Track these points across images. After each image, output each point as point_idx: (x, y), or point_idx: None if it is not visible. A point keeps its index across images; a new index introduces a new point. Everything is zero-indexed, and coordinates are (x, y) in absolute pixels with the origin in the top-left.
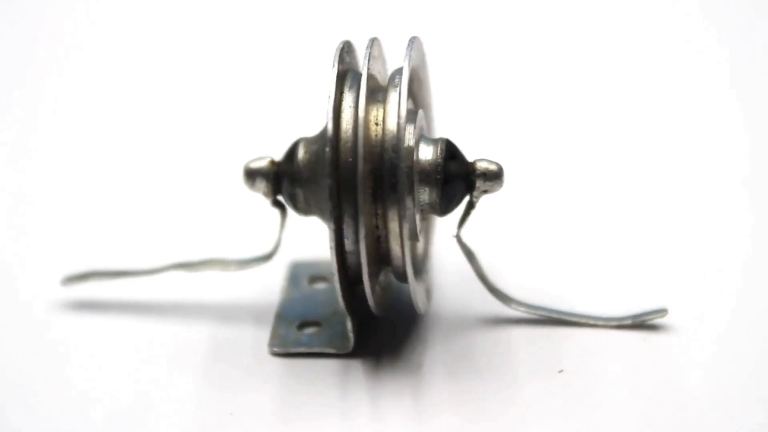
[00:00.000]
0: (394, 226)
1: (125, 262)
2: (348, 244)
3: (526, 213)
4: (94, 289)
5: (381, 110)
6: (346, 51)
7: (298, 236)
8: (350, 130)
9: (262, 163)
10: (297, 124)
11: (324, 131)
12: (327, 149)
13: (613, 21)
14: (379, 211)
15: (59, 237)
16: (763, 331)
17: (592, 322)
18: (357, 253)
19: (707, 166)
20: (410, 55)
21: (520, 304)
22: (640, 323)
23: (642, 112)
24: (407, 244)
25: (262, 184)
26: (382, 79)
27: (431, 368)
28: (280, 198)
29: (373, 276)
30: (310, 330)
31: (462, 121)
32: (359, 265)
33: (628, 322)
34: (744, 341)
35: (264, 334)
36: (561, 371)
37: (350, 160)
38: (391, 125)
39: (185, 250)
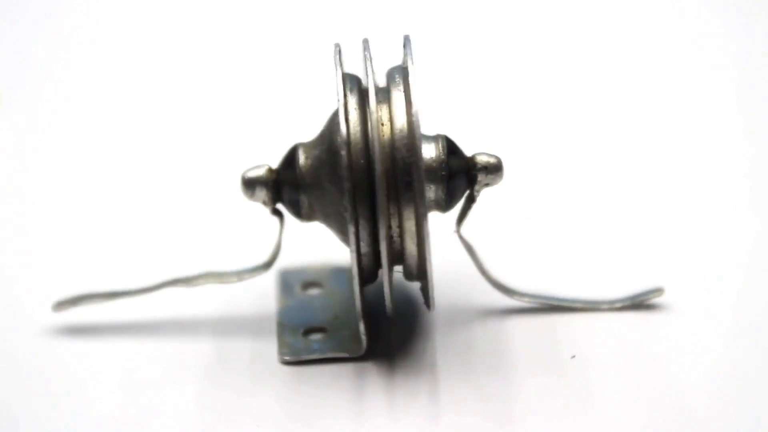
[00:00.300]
0: (410, 224)
1: (118, 281)
2: (363, 246)
3: (519, 206)
4: (87, 312)
5: (385, 110)
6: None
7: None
8: (359, 132)
9: (261, 172)
10: (278, 132)
11: (325, 135)
12: (342, 153)
13: (610, 15)
14: (392, 211)
15: (47, 259)
16: (756, 304)
17: (592, 306)
18: (370, 255)
19: (700, 154)
20: (411, 55)
21: (522, 294)
22: (640, 303)
23: (635, 103)
24: (428, 241)
25: (262, 192)
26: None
27: (445, 366)
28: (279, 206)
29: (390, 276)
30: (316, 336)
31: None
32: (371, 266)
33: (628, 303)
34: (739, 318)
35: (266, 344)
36: (573, 357)
37: (362, 161)
38: (400, 124)
39: (178, 264)
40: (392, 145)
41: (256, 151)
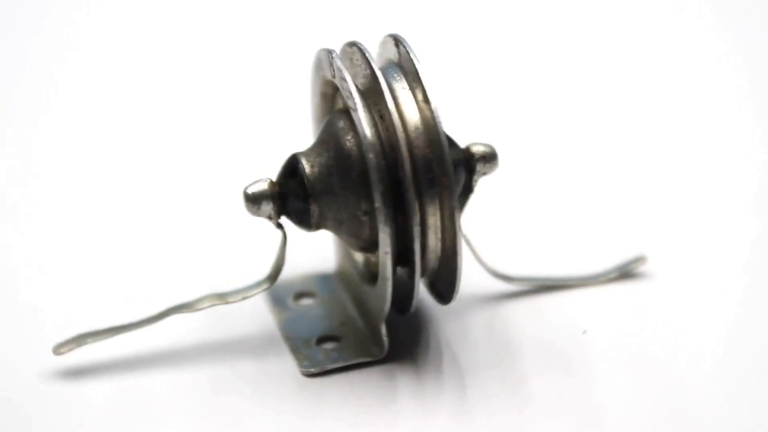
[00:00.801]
0: (433, 220)
1: (117, 312)
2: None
3: (503, 196)
4: (89, 350)
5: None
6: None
7: (247, 259)
8: (374, 134)
9: (264, 186)
10: (253, 142)
11: (328, 142)
12: (370, 155)
13: (608, 14)
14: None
15: (41, 297)
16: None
17: (585, 282)
18: (392, 255)
19: (681, 131)
20: (413, 52)
21: (519, 279)
22: (626, 273)
23: (616, 90)
24: (461, 233)
25: (268, 206)
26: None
27: (466, 358)
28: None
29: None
30: (330, 345)
31: None
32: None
33: (617, 274)
34: (715, 282)
35: (277, 360)
36: (585, 332)
37: (382, 163)
38: (414, 121)
39: (171, 283)
40: (410, 143)
41: (237, 163)
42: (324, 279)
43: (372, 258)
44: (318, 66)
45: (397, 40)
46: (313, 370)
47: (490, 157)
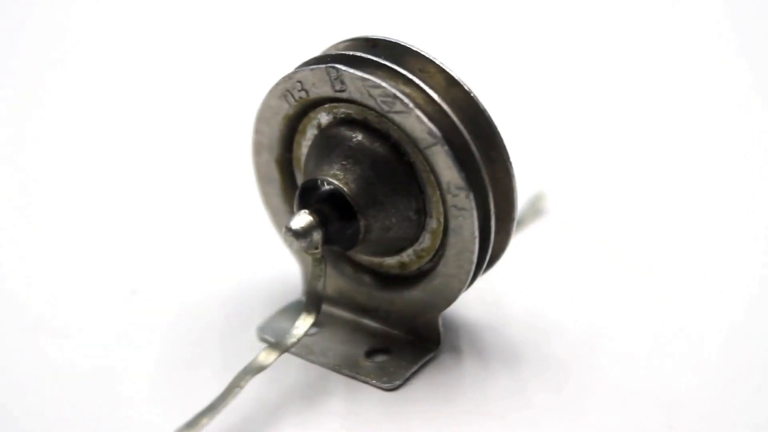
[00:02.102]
0: None
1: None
2: None
3: None
4: None
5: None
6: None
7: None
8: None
9: (307, 218)
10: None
11: (355, 155)
12: (445, 148)
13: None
14: None
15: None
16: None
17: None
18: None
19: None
20: (419, 47)
21: None
22: (539, 211)
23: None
24: (517, 203)
25: (318, 236)
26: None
27: (501, 332)
28: None
29: None
30: (382, 357)
31: None
32: None
33: (532, 215)
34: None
35: (344, 391)
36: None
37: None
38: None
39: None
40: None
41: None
42: (301, 305)
43: (389, 261)
44: (289, 89)
45: (376, 40)
46: (398, 382)
47: None
